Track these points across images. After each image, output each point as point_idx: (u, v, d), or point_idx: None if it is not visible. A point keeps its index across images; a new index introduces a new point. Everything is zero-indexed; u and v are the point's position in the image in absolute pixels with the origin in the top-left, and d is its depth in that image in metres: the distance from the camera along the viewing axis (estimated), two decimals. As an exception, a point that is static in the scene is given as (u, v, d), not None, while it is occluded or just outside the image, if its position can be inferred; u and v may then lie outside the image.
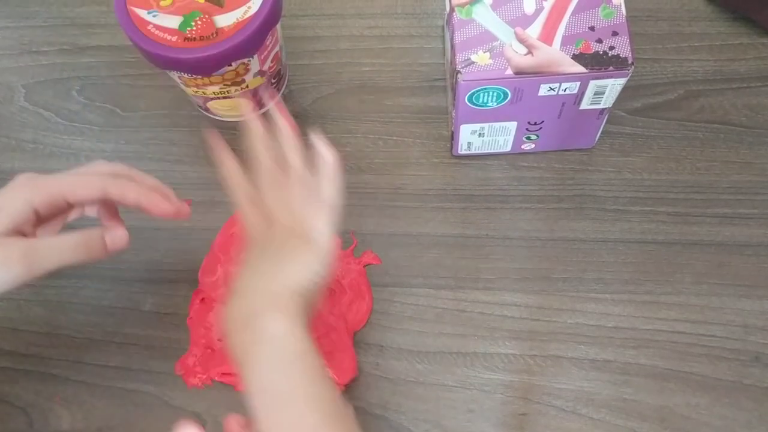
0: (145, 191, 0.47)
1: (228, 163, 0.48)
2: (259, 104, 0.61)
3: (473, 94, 0.50)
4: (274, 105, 0.47)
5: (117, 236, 0.47)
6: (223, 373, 0.54)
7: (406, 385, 0.54)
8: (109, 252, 0.47)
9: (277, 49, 0.57)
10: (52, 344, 0.56)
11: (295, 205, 0.45)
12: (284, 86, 0.62)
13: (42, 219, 0.46)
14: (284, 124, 0.48)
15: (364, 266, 0.57)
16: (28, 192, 0.45)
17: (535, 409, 0.53)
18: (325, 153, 0.46)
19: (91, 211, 0.50)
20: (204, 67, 0.52)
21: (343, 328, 0.54)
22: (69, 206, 0.47)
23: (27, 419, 0.54)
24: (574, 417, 0.52)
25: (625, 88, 0.51)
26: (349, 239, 0.58)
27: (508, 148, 0.58)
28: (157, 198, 0.47)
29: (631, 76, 0.50)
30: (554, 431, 0.52)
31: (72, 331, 0.57)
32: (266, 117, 0.48)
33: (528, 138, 0.57)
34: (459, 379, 0.54)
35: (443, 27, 0.63)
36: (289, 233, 0.45)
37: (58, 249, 0.44)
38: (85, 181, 0.46)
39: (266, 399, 0.40)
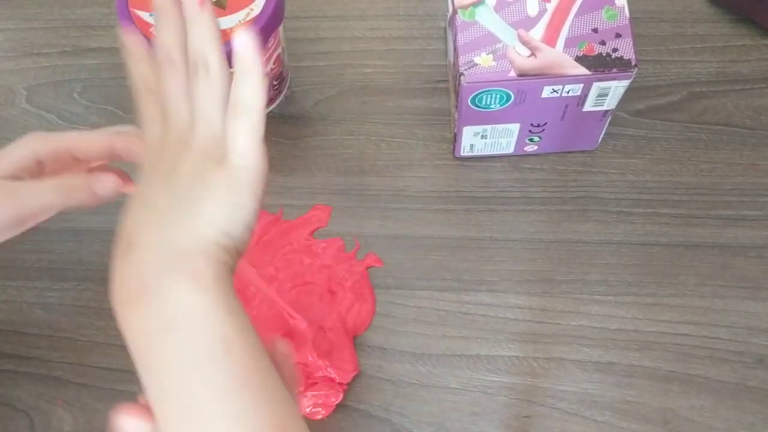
0: None
1: (132, 41, 0.38)
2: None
3: (476, 96, 0.50)
4: None
5: (104, 181, 0.42)
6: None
7: (409, 387, 0.54)
8: (99, 198, 0.42)
9: (279, 51, 0.56)
10: (54, 347, 0.56)
11: (205, 108, 0.34)
12: (286, 88, 0.62)
13: (45, 172, 0.43)
14: (195, 3, 0.35)
15: (367, 269, 0.56)
16: (33, 142, 0.43)
17: (539, 411, 0.53)
18: (239, 43, 0.34)
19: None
20: (206, 69, 0.52)
21: (341, 328, 0.53)
22: (75, 162, 0.44)
23: (29, 422, 0.54)
24: (577, 419, 0.52)
25: (628, 90, 0.51)
26: (352, 242, 0.57)
27: (511, 150, 0.58)
28: None
29: (634, 78, 0.49)
30: (558, 434, 0.52)
31: (74, 333, 0.56)
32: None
33: (531, 140, 0.57)
34: (462, 382, 0.54)
35: (445, 29, 0.63)
36: (198, 152, 0.33)
37: (41, 190, 0.41)
38: (91, 136, 0.44)
39: (175, 410, 0.29)
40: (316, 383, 0.52)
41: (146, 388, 0.30)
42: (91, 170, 0.45)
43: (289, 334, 0.53)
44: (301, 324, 0.52)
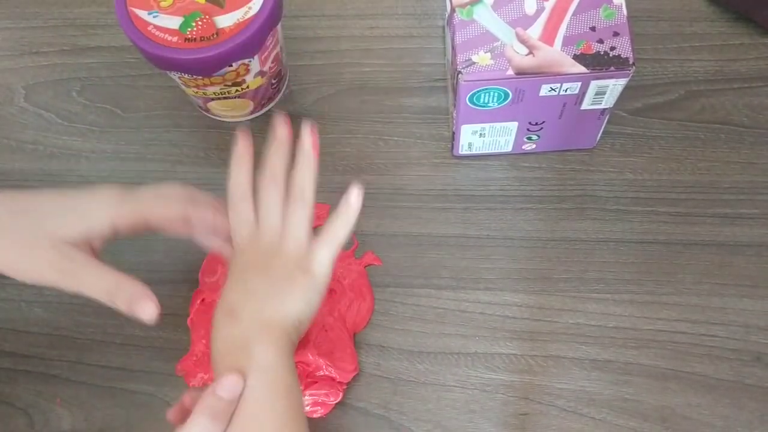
0: (221, 218, 0.47)
1: (244, 146, 0.47)
2: (260, 105, 0.61)
3: (474, 94, 0.50)
4: (307, 125, 0.46)
5: (144, 306, 0.45)
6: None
7: (408, 385, 0.54)
8: (129, 313, 0.46)
9: (277, 49, 0.57)
10: (52, 345, 0.56)
11: (297, 228, 0.45)
12: (285, 87, 0.62)
13: (118, 236, 0.46)
14: (309, 145, 0.46)
15: (365, 267, 0.56)
16: (114, 208, 0.45)
17: (537, 409, 0.53)
18: (352, 197, 0.46)
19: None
20: (204, 68, 0.52)
21: (342, 327, 0.53)
22: (148, 227, 0.47)
23: (28, 420, 0.54)
24: (575, 417, 0.52)
25: (626, 89, 0.51)
26: (350, 240, 0.58)
27: (509, 149, 0.58)
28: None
29: (632, 77, 0.50)
30: (555, 431, 0.52)
31: (73, 332, 0.57)
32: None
33: (529, 138, 0.57)
34: (460, 380, 0.54)
35: (444, 27, 0.63)
36: (285, 255, 0.44)
37: (89, 278, 0.45)
38: (168, 206, 0.47)
39: (243, 422, 0.40)
40: (316, 382, 0.52)
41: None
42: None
43: None
44: None
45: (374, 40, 0.64)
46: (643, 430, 0.52)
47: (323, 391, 0.52)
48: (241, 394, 0.41)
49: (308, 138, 0.46)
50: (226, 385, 0.40)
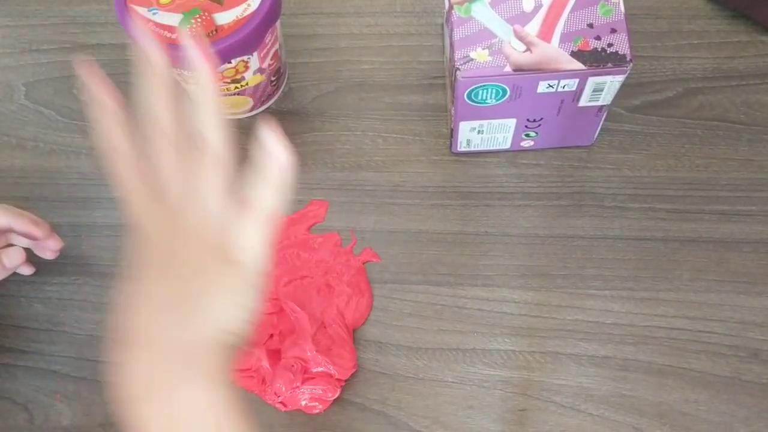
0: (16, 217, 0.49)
1: (107, 104, 0.33)
2: (260, 102, 0.61)
3: (472, 91, 0.50)
4: (191, 40, 0.31)
5: (12, 254, 0.48)
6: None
7: (406, 381, 0.54)
8: (7, 269, 0.48)
9: (276, 47, 0.57)
10: (52, 341, 0.57)
11: (211, 200, 0.33)
12: (284, 84, 0.63)
13: None
14: (207, 75, 0.33)
15: (364, 263, 0.57)
16: None
17: (535, 405, 0.53)
18: (277, 150, 0.33)
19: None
20: (204, 65, 0.52)
21: (341, 324, 0.54)
22: None
23: (28, 416, 0.55)
24: (573, 413, 0.52)
25: (624, 86, 0.51)
26: (349, 237, 0.58)
27: (508, 146, 0.58)
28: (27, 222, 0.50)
29: (630, 74, 0.50)
30: (553, 427, 0.52)
31: (73, 327, 0.57)
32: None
33: (527, 135, 0.57)
34: (458, 376, 0.54)
35: (442, 25, 0.63)
36: (202, 247, 0.32)
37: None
38: None
39: None
40: (314, 378, 0.52)
41: None
42: None
43: (291, 329, 0.54)
44: (303, 319, 0.53)
45: (373, 37, 0.64)
46: (641, 426, 0.52)
47: (321, 388, 0.52)
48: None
49: (202, 66, 0.33)
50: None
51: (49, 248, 0.54)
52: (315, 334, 0.53)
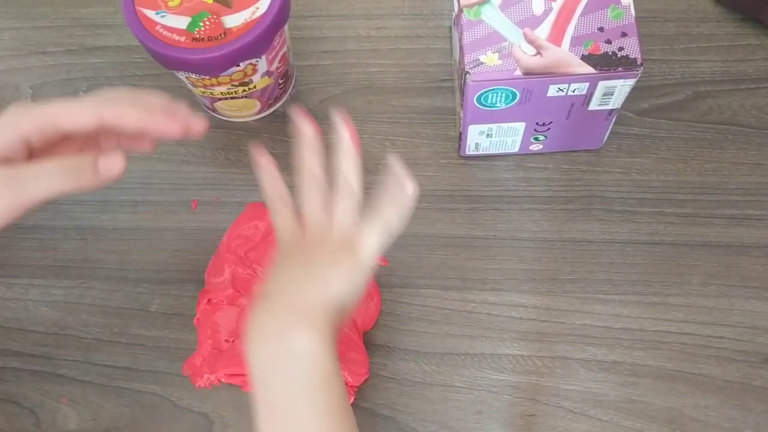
0: (146, 113, 0.42)
1: (264, 161, 0.45)
2: (267, 105, 0.61)
3: (482, 95, 0.50)
4: (339, 118, 0.44)
5: (111, 161, 0.41)
6: (231, 374, 0.53)
7: (414, 386, 0.54)
8: (102, 179, 0.41)
9: (284, 49, 0.57)
10: (59, 345, 0.56)
11: (344, 220, 0.43)
12: (291, 87, 0.62)
13: (36, 152, 0.42)
14: (347, 137, 0.44)
15: (372, 267, 0.56)
16: (16, 119, 0.40)
17: (544, 410, 0.53)
18: (404, 179, 0.43)
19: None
20: (212, 68, 0.52)
21: (353, 327, 0.53)
22: (63, 140, 0.42)
23: (34, 419, 0.54)
24: (582, 418, 0.52)
25: (633, 89, 0.51)
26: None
27: (516, 149, 0.58)
28: (161, 119, 0.43)
29: (639, 77, 0.49)
30: (562, 433, 0.52)
31: (79, 331, 0.57)
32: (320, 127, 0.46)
33: (536, 139, 0.57)
34: (467, 380, 0.54)
35: (450, 28, 0.63)
36: (331, 242, 0.42)
37: (44, 174, 0.39)
38: (78, 106, 0.41)
39: (279, 418, 0.38)
40: None
41: (257, 408, 0.38)
42: (83, 150, 0.44)
43: None
44: None
45: (381, 40, 0.64)
46: (651, 431, 0.52)
47: None
48: (273, 386, 0.38)
49: (344, 132, 0.44)
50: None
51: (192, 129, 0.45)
52: None
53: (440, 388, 0.54)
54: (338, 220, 0.43)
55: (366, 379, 0.53)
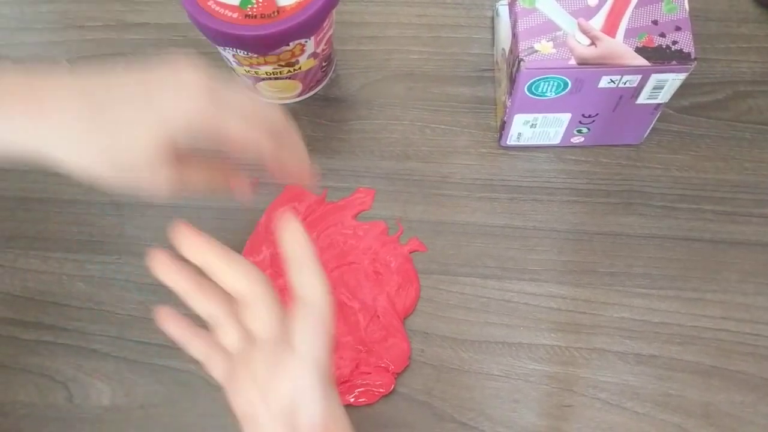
0: (288, 163, 0.43)
1: (170, 318, 0.43)
2: (309, 88, 0.60)
3: (533, 83, 0.50)
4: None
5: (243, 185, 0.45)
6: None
7: (451, 372, 0.54)
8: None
9: (331, 32, 0.56)
10: (93, 320, 0.56)
11: (263, 334, 0.39)
12: (332, 71, 0.62)
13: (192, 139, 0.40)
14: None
15: (410, 253, 0.56)
16: (193, 114, 0.37)
17: (580, 401, 0.53)
18: (291, 234, 0.39)
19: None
20: (263, 46, 0.51)
21: (393, 312, 0.53)
22: (223, 142, 0.40)
23: (67, 394, 0.54)
24: (618, 410, 0.52)
25: (676, 86, 0.51)
26: (395, 226, 0.57)
27: (558, 141, 0.58)
28: (294, 173, 0.44)
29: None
30: (599, 424, 0.52)
31: (114, 307, 0.56)
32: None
33: (579, 131, 0.57)
34: (504, 369, 0.54)
35: (492, 18, 0.63)
36: (264, 346, 0.38)
37: (203, 183, 0.43)
38: (250, 139, 0.40)
39: None
40: (370, 373, 0.52)
41: None
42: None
43: (343, 318, 0.53)
44: (356, 307, 0.52)
45: (422, 28, 0.64)
46: (687, 425, 0.52)
47: (377, 382, 0.51)
48: None
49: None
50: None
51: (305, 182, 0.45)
52: (367, 326, 0.52)
53: (477, 375, 0.53)
54: (260, 336, 0.39)
55: (406, 366, 0.53)
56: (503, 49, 0.56)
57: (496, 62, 0.61)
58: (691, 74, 0.61)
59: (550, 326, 0.55)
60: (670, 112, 0.60)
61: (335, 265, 0.55)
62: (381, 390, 0.52)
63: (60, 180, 0.59)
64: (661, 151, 0.59)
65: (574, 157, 0.59)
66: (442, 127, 0.61)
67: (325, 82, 0.62)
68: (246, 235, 0.57)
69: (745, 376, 0.53)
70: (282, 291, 0.55)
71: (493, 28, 0.63)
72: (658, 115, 0.55)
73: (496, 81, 0.61)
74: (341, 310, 0.53)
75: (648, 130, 0.57)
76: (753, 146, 0.59)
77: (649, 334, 0.54)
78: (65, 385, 0.54)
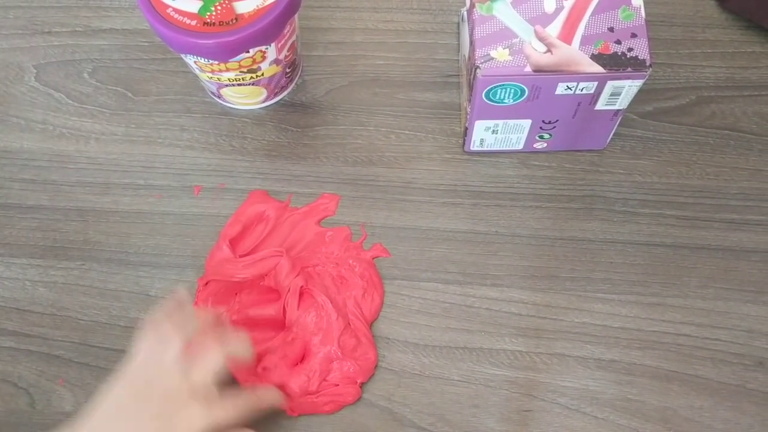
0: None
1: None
2: (274, 93, 0.61)
3: (491, 90, 0.50)
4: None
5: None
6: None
7: (412, 378, 0.54)
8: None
9: (294, 38, 0.56)
10: (56, 326, 0.56)
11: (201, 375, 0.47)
12: (298, 76, 0.62)
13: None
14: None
15: (373, 258, 0.56)
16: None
17: (540, 406, 0.53)
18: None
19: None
20: (222, 53, 0.52)
21: (362, 318, 0.53)
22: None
23: (29, 400, 0.54)
24: (578, 415, 0.53)
25: (638, 92, 0.51)
26: (359, 231, 0.58)
27: (521, 147, 0.58)
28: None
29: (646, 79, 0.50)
30: (558, 429, 0.52)
31: (77, 313, 0.56)
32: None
33: (541, 137, 0.57)
34: (464, 374, 0.54)
35: (458, 24, 0.63)
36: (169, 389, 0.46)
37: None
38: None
39: None
40: (338, 385, 0.52)
41: None
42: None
43: (319, 325, 0.54)
44: (331, 314, 0.53)
45: (388, 33, 0.64)
46: (645, 430, 0.52)
47: (343, 392, 0.52)
48: None
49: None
50: None
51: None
52: (340, 336, 0.53)
53: (438, 381, 0.54)
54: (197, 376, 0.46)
55: (371, 376, 0.53)
56: (464, 55, 0.57)
57: (460, 68, 0.61)
58: (654, 80, 0.62)
59: (511, 331, 0.55)
60: (634, 117, 0.60)
61: (300, 268, 0.55)
62: (348, 400, 0.52)
63: (24, 186, 0.60)
64: (624, 157, 0.60)
65: (537, 163, 0.59)
66: (407, 132, 0.61)
67: (290, 88, 0.62)
68: (209, 242, 0.57)
69: (704, 380, 0.53)
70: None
71: (458, 33, 0.63)
72: (618, 121, 0.55)
73: (460, 86, 0.61)
74: (319, 315, 0.54)
75: (610, 136, 0.58)
76: (716, 151, 0.59)
77: (610, 339, 0.54)
78: (27, 391, 0.54)
